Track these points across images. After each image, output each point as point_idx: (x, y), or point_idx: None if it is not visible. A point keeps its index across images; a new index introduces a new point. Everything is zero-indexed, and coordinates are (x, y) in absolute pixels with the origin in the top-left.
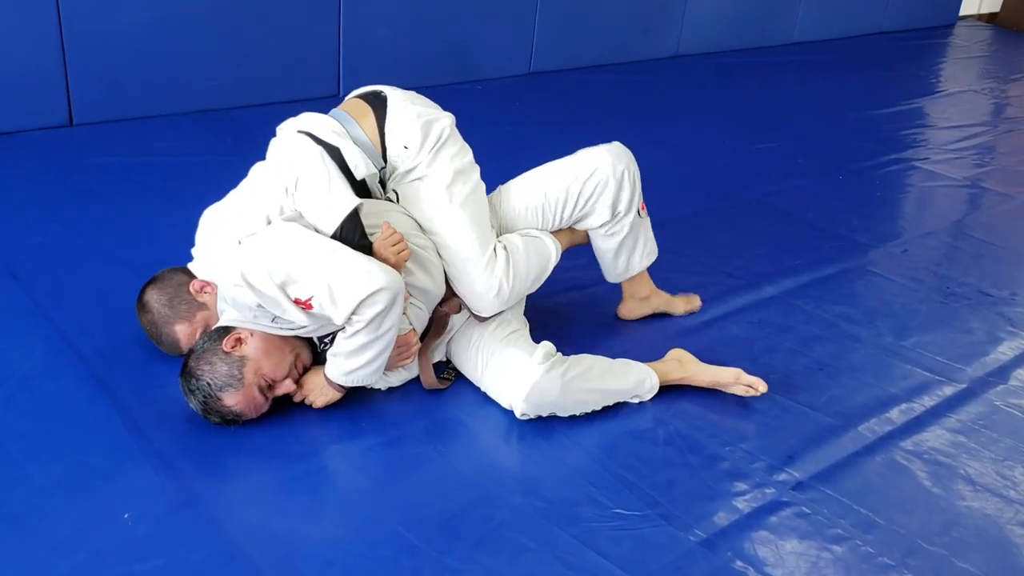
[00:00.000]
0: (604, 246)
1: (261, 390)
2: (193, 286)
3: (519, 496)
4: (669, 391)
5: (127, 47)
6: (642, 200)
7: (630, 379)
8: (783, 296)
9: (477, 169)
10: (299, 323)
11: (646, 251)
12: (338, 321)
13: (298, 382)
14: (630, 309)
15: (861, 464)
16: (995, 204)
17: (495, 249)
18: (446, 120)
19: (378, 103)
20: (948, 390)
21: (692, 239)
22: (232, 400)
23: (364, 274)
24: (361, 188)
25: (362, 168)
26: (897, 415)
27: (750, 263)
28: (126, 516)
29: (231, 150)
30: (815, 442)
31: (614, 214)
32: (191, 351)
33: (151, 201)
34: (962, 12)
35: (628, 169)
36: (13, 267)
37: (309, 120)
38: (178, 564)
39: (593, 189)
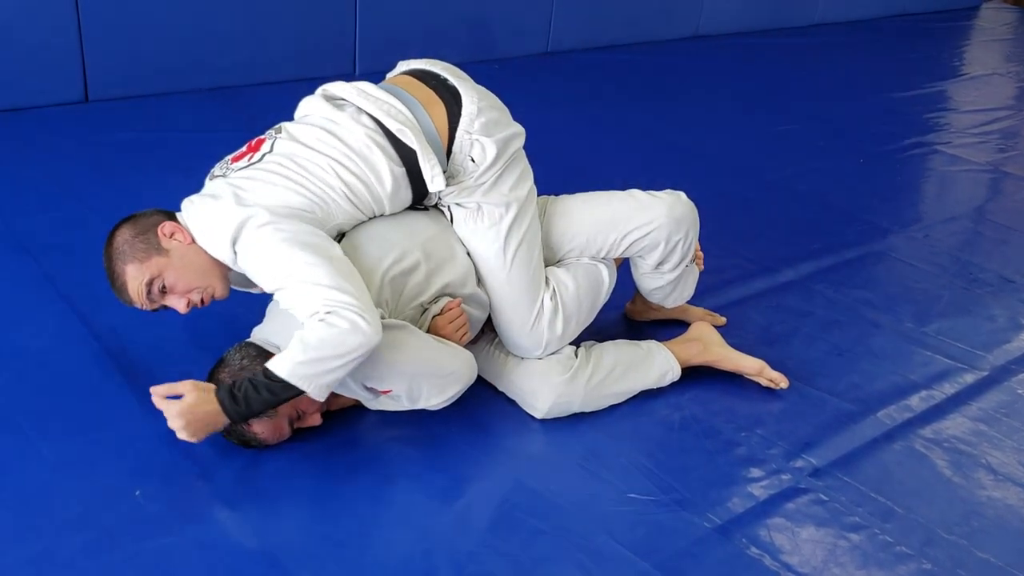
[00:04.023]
0: (638, 279)
1: (290, 421)
2: (163, 228)
3: (533, 480)
4: (686, 372)
5: (143, 23)
6: (698, 249)
7: (652, 374)
8: (802, 280)
9: (535, 199)
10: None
11: (682, 295)
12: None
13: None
14: (640, 311)
15: (880, 452)
16: (1018, 190)
17: (543, 301)
18: (521, 137)
19: (447, 94)
20: (969, 377)
21: (711, 221)
22: (260, 428)
23: (447, 377)
24: (416, 183)
25: (440, 181)
26: (917, 402)
27: (769, 246)
28: (137, 493)
29: (247, 126)
30: (833, 429)
31: (657, 268)
32: (222, 362)
33: (168, 178)
34: None
35: (685, 237)
36: (26, 243)
37: (364, 95)
38: (188, 543)
39: (643, 246)
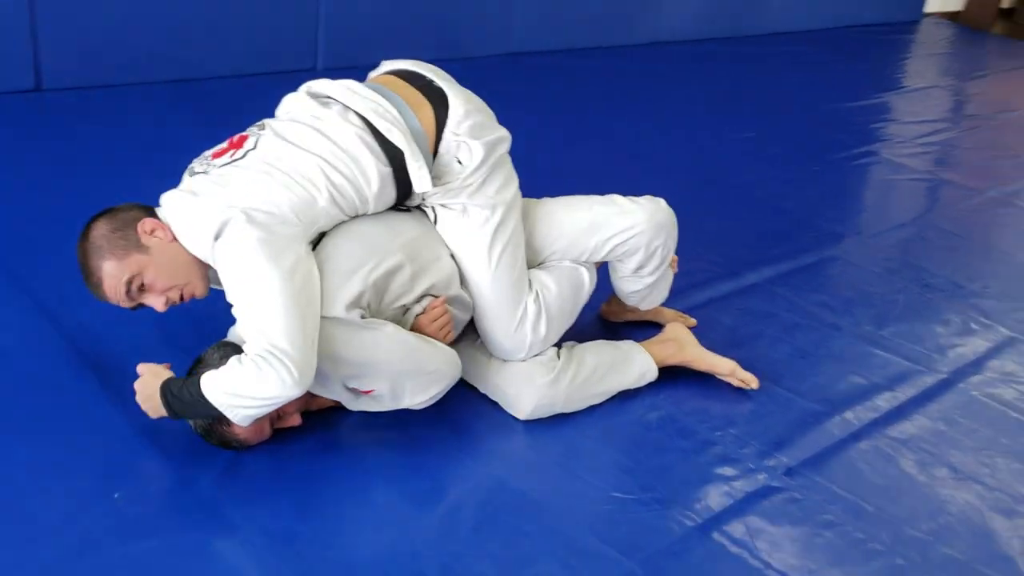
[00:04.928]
0: (616, 282)
1: (271, 420)
2: (143, 225)
3: (516, 480)
4: (660, 372)
5: (98, 11)
6: (674, 255)
7: (631, 374)
8: (764, 284)
9: (520, 202)
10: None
11: (657, 298)
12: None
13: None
14: (616, 312)
15: (848, 451)
16: (962, 199)
17: (526, 304)
18: (507, 141)
19: (434, 96)
20: (928, 379)
21: (679, 225)
22: (241, 428)
23: (430, 375)
24: (401, 183)
25: (426, 182)
26: (880, 403)
27: (732, 250)
28: (116, 496)
29: (209, 120)
30: (802, 429)
31: (636, 272)
32: (201, 360)
33: (130, 171)
34: (927, 9)
35: (664, 244)
36: None
37: (351, 93)
38: (170, 546)
39: (624, 251)
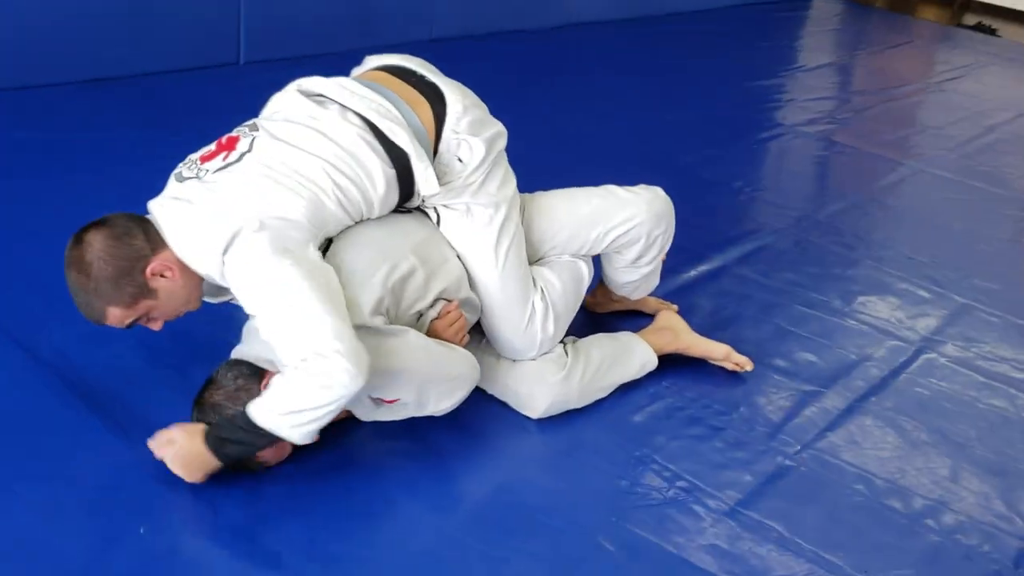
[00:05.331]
0: (611, 274)
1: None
2: (152, 268)
3: (541, 479)
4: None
5: (6, 9)
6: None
7: (634, 365)
8: (731, 265)
9: (518, 198)
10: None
11: (648, 287)
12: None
13: None
14: (602, 303)
15: (849, 425)
16: (889, 171)
17: (534, 302)
18: (504, 135)
19: (430, 92)
20: (904, 349)
21: None
22: (264, 452)
23: (453, 381)
24: (405, 184)
25: (433, 184)
26: (867, 375)
27: (695, 233)
28: (141, 531)
29: (139, 120)
30: (801, 407)
31: (634, 263)
32: (213, 383)
33: (65, 176)
34: None
35: (664, 233)
36: None
37: (348, 92)
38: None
39: (624, 242)
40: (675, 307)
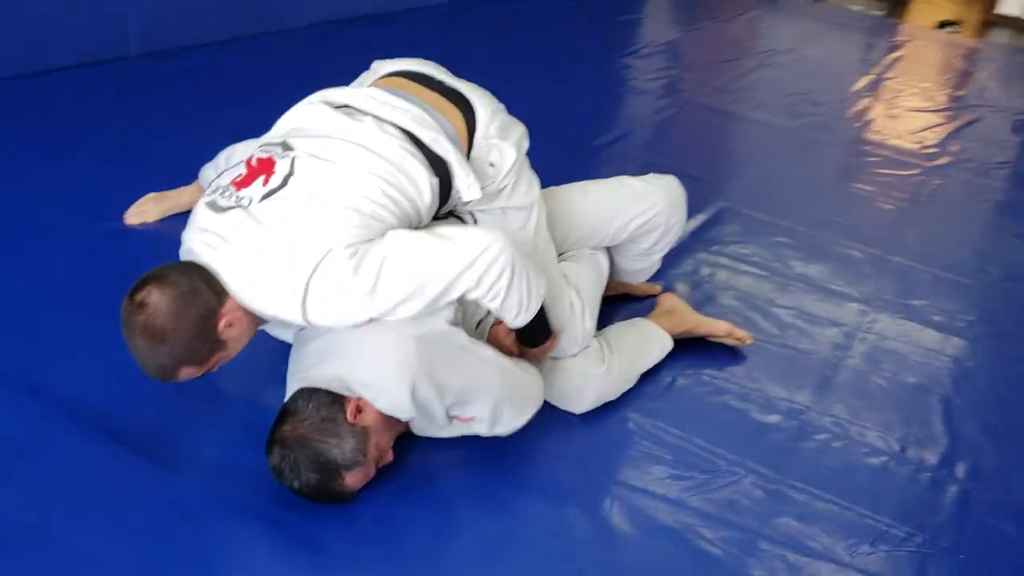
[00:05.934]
0: (622, 263)
1: (375, 461)
2: (223, 320)
3: (605, 476)
4: None
5: None
6: None
7: (654, 350)
8: (691, 243)
9: (542, 199)
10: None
11: (652, 272)
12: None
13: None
14: None
15: (859, 382)
16: (786, 138)
17: (571, 298)
18: (527, 136)
19: (455, 98)
20: (869, 311)
21: None
22: (354, 479)
23: (525, 398)
24: (444, 192)
25: (476, 190)
26: (854, 337)
27: None
28: None
29: (41, 127)
30: (810, 374)
31: (650, 250)
32: (293, 415)
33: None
34: None
35: (680, 220)
36: None
37: (380, 103)
38: None
39: (644, 233)
40: (659, 288)
